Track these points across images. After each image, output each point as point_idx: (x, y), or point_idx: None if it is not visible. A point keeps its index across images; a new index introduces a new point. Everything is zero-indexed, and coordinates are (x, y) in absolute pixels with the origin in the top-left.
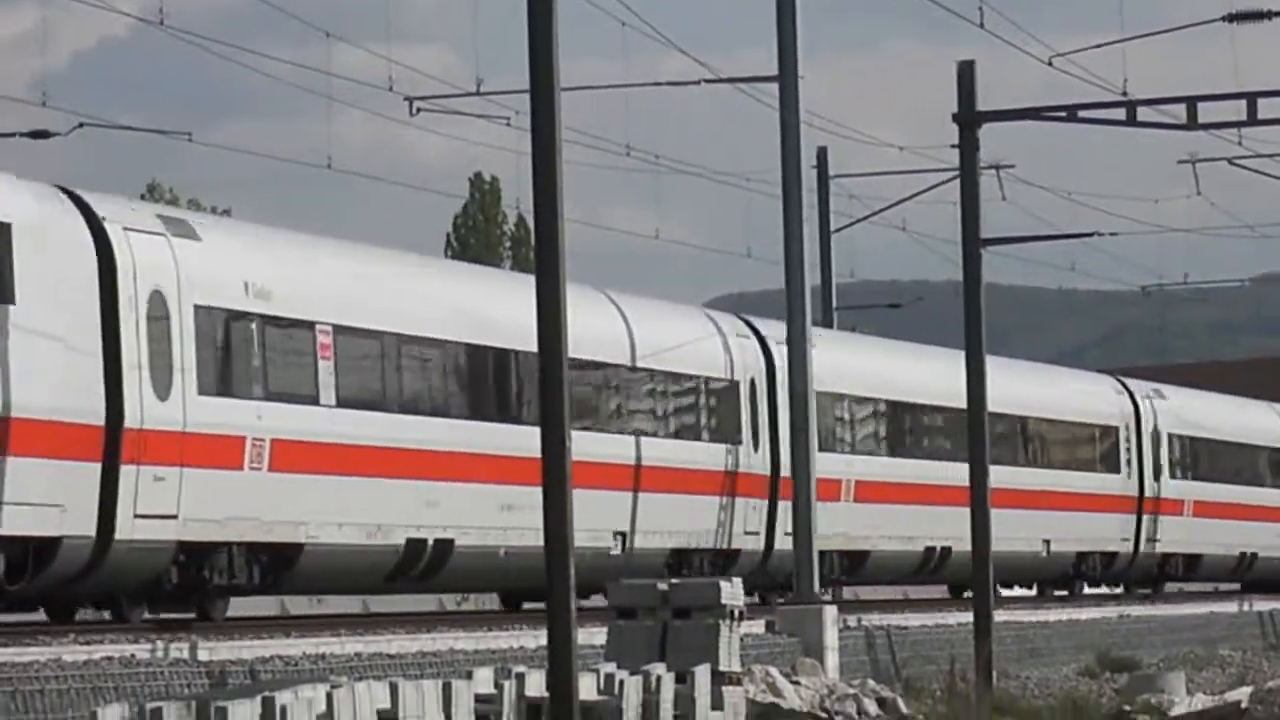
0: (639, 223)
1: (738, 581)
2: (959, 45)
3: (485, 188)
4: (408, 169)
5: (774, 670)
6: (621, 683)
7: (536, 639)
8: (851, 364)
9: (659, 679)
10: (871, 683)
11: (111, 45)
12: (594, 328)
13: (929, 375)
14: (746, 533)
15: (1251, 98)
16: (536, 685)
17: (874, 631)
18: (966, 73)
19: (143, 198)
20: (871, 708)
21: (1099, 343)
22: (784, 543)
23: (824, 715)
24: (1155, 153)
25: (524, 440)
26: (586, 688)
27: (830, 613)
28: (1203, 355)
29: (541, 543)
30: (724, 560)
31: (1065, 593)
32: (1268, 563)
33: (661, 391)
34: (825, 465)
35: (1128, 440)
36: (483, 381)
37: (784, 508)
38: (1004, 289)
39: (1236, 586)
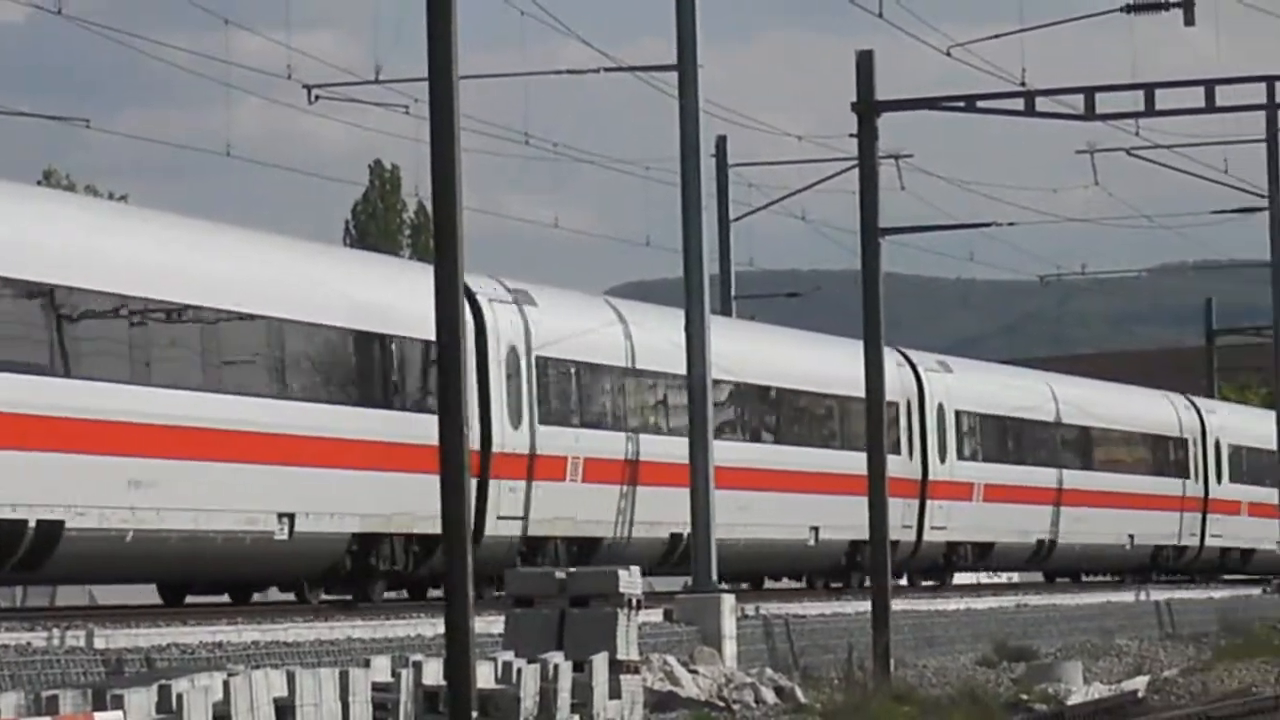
0: (538, 211)
1: (635, 570)
2: (858, 35)
3: (385, 175)
4: (307, 156)
5: (672, 659)
6: (519, 671)
7: (434, 627)
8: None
9: (556, 667)
10: (769, 671)
11: (8, 32)
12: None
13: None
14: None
15: (1149, 88)
16: (434, 674)
17: (772, 620)
18: (865, 62)
19: (39, 184)
20: (769, 696)
21: (999, 333)
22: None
23: (721, 704)
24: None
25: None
26: (484, 676)
27: (728, 602)
28: (1101, 345)
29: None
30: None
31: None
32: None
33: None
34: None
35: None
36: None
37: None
38: (903, 278)
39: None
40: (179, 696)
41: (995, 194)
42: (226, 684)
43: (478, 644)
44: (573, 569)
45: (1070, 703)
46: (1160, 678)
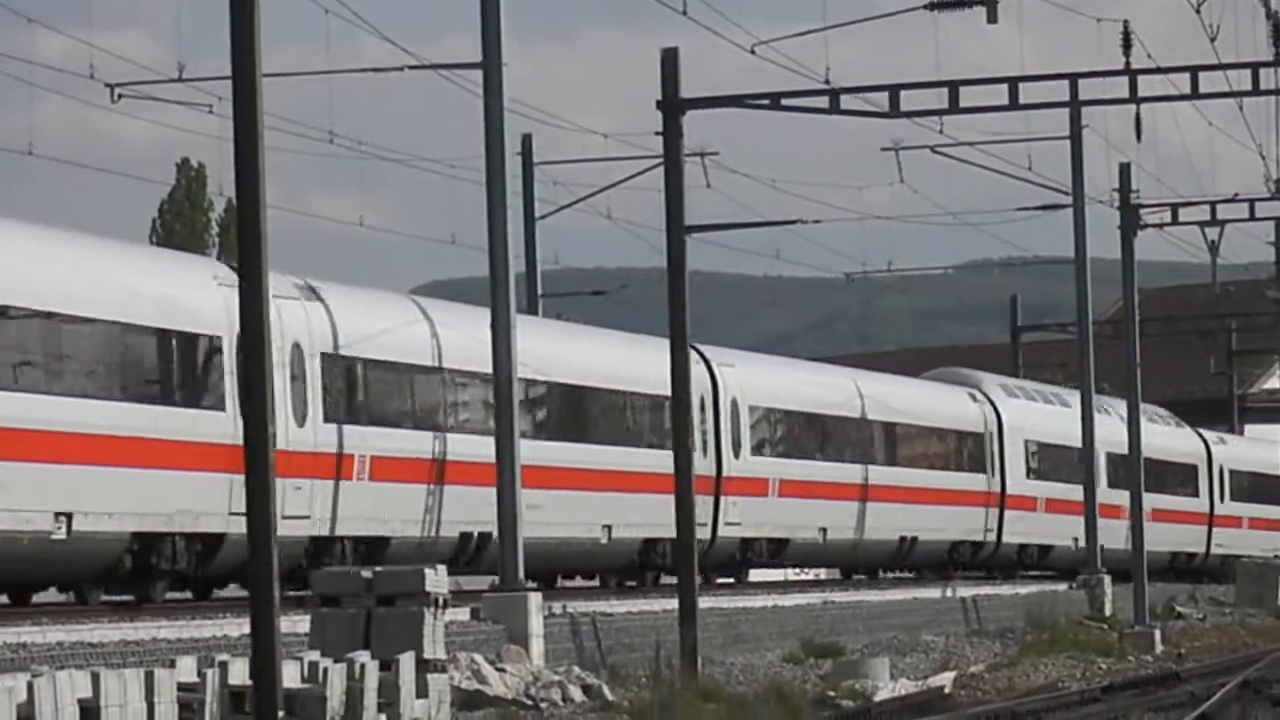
0: (343, 209)
1: (442, 569)
2: (663, 32)
3: (192, 174)
4: (112, 156)
5: (479, 657)
6: (325, 671)
7: (240, 627)
8: None
9: (363, 667)
10: (577, 669)
11: None
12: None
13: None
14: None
15: (953, 86)
16: (240, 674)
17: (579, 618)
18: (670, 60)
19: None
20: (577, 694)
21: (807, 330)
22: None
23: (529, 702)
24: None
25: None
26: (290, 676)
27: (535, 600)
28: (907, 342)
29: None
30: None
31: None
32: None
33: None
34: None
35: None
36: None
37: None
38: (710, 276)
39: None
40: None
41: (801, 192)
42: (30, 685)
43: (284, 644)
44: (379, 568)
45: (877, 699)
46: (967, 673)
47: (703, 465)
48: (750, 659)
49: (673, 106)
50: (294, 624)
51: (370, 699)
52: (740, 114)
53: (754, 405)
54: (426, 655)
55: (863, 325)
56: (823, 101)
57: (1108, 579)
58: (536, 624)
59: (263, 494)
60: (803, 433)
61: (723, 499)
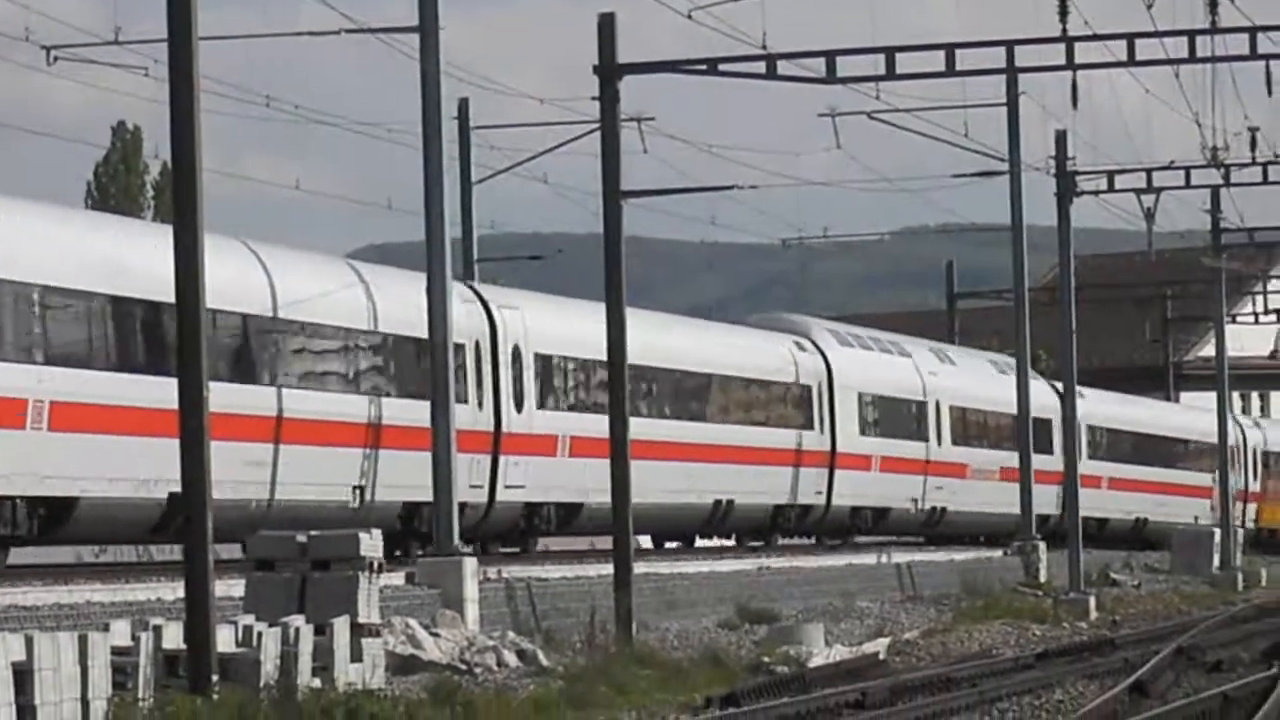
0: (280, 173)
1: (377, 533)
2: None
3: (128, 137)
4: (47, 119)
5: (414, 622)
6: (260, 635)
7: (174, 591)
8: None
9: (298, 631)
10: (512, 634)
11: None
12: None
13: None
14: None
15: (889, 52)
16: (174, 637)
17: (514, 584)
18: (607, 25)
19: None
20: (511, 659)
21: (744, 296)
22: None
23: (464, 667)
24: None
25: None
26: (224, 640)
27: (470, 565)
28: (844, 308)
29: None
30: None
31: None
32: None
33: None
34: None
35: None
36: None
37: (505, 462)
38: (647, 241)
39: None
40: None
41: (738, 158)
42: None
43: (218, 608)
44: (314, 532)
45: (811, 665)
46: (901, 640)
47: (477, 420)
48: (685, 624)
49: (609, 71)
50: (229, 588)
51: (304, 663)
52: (677, 79)
53: (540, 353)
54: (361, 619)
55: (799, 291)
56: (759, 67)
57: (1043, 545)
58: (472, 589)
59: (197, 458)
60: (600, 385)
61: (502, 458)
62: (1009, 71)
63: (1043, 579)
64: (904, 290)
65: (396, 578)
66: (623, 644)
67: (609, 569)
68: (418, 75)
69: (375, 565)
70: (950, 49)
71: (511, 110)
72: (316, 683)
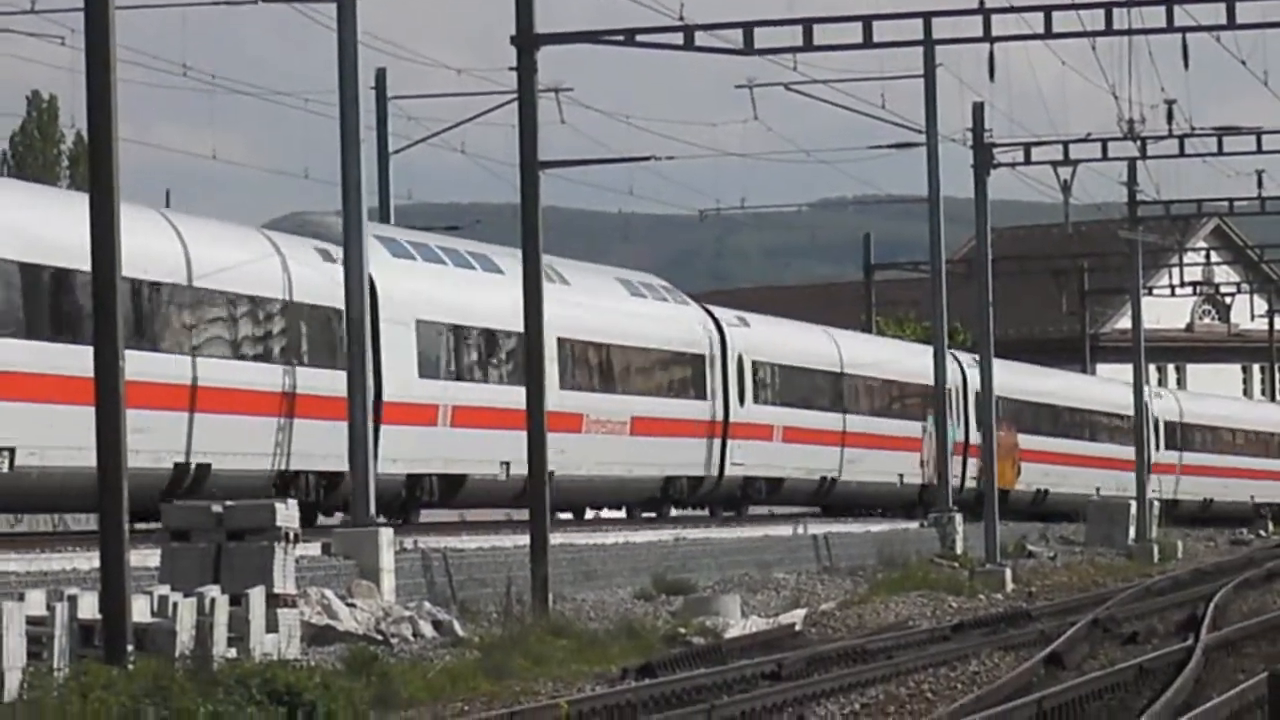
0: (195, 142)
1: (293, 504)
2: None
3: (43, 106)
4: None
5: (329, 592)
6: (175, 605)
7: (90, 561)
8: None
9: (213, 601)
10: (428, 605)
11: None
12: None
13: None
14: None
15: (807, 24)
16: (90, 607)
17: (430, 554)
18: None
19: None
20: (427, 630)
21: (660, 268)
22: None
23: (379, 638)
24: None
25: None
26: (140, 610)
27: (386, 535)
28: (760, 280)
29: None
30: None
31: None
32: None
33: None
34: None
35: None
36: None
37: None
38: (564, 212)
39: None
40: None
41: (655, 128)
42: None
43: (134, 578)
44: (230, 502)
45: (728, 636)
46: (818, 611)
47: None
48: (601, 595)
49: (527, 41)
50: (144, 558)
51: (220, 633)
52: (594, 50)
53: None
54: (276, 590)
55: (716, 263)
56: (677, 38)
57: (959, 517)
58: (388, 559)
59: (113, 431)
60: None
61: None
62: (926, 44)
63: (959, 550)
64: (821, 262)
65: (313, 548)
66: (539, 615)
67: (525, 539)
68: (335, 44)
69: (291, 536)
70: (868, 20)
71: (429, 80)
72: (232, 653)
